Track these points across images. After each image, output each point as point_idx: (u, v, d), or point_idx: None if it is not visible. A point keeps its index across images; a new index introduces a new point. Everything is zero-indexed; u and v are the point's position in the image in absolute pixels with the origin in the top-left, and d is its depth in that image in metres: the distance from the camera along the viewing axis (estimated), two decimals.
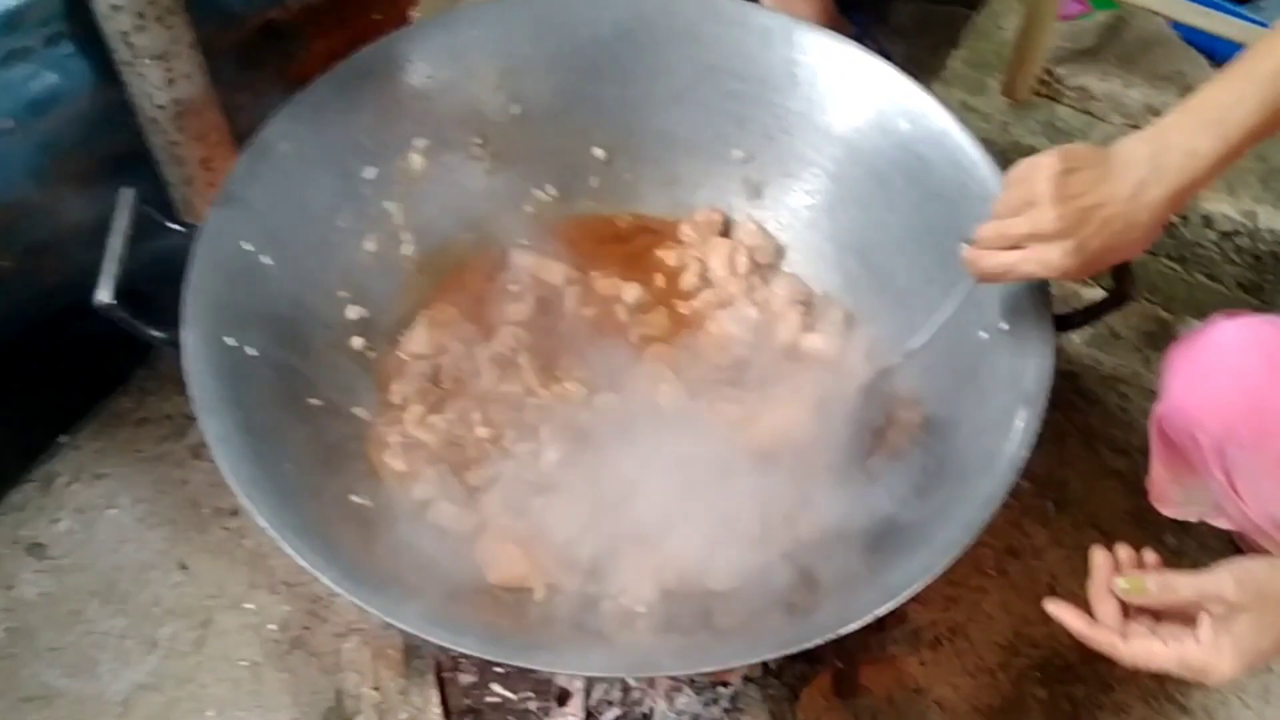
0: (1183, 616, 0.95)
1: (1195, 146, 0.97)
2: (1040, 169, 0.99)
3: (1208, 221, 1.69)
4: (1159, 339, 1.79)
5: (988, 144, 1.28)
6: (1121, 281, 1.14)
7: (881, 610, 0.99)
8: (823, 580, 1.16)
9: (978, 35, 1.89)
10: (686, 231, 1.48)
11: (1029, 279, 1.06)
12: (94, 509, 1.53)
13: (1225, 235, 1.69)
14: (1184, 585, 0.93)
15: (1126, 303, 1.15)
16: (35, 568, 1.48)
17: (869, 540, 1.16)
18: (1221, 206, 1.67)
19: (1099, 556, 0.99)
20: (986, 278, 1.06)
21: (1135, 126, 1.78)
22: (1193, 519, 1.35)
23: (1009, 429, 1.10)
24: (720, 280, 1.44)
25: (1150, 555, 0.99)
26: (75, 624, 1.44)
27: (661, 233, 1.50)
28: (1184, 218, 1.70)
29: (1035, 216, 0.99)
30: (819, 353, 1.38)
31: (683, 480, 1.22)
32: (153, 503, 1.54)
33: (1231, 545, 1.52)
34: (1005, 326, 1.18)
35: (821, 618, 1.03)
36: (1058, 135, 1.76)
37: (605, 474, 1.24)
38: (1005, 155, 1.74)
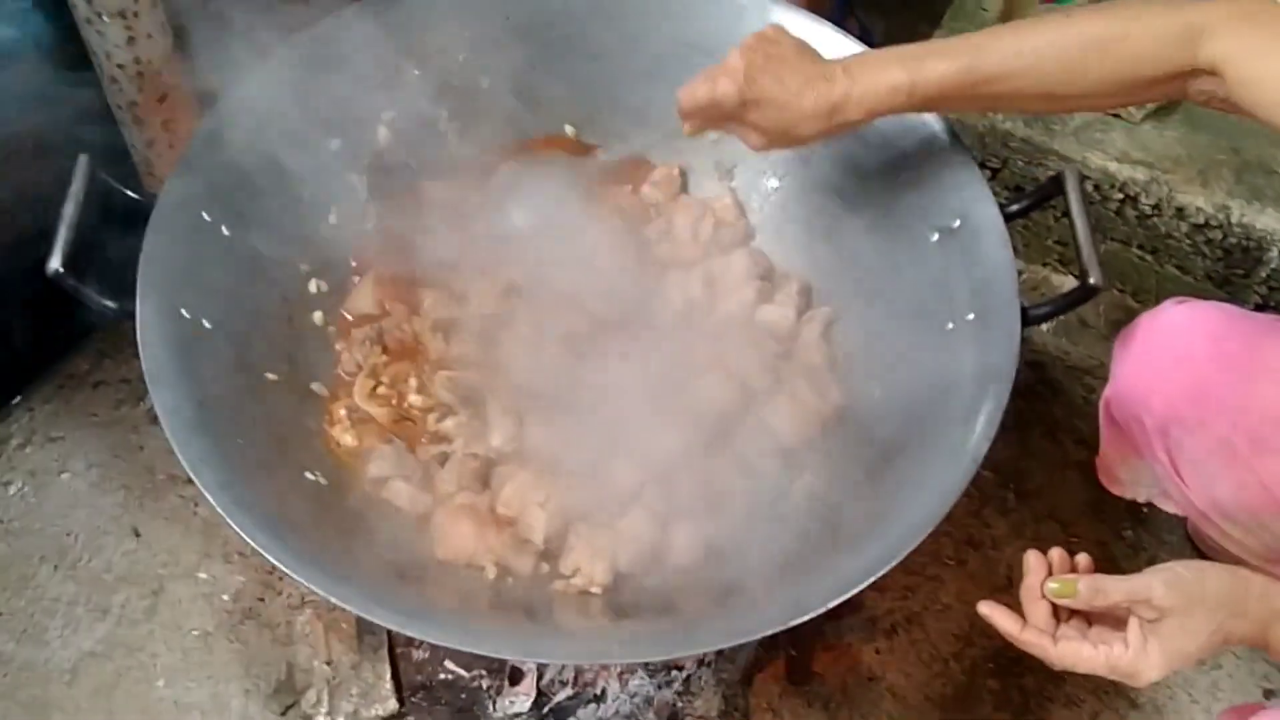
0: (1113, 620, 0.96)
1: (883, 75, 1.08)
2: (758, 33, 1.13)
3: (1180, 213, 1.69)
4: None
5: (966, 126, 1.26)
6: (1086, 273, 1.13)
7: (836, 600, 0.98)
8: (780, 565, 1.15)
9: (960, 14, 1.87)
10: (648, 191, 1.46)
11: (711, 107, 1.13)
12: (46, 472, 1.51)
13: (1197, 228, 1.69)
14: (1113, 588, 0.94)
15: (1094, 295, 1.14)
16: None
17: (827, 527, 1.16)
18: (1195, 200, 1.67)
19: (1032, 559, 1.00)
20: (682, 112, 1.15)
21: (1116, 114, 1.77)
22: (1140, 499, 1.38)
23: (972, 419, 1.09)
24: (683, 241, 1.42)
25: (1083, 559, 1.00)
26: (24, 589, 1.42)
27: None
28: (1157, 208, 1.69)
29: (729, 55, 1.11)
30: (774, 326, 1.36)
31: (639, 455, 1.20)
32: (107, 468, 1.52)
33: (1188, 540, 1.53)
34: (971, 317, 1.18)
35: (777, 606, 1.02)
36: (1034, 118, 1.75)
37: (560, 448, 1.22)
38: (982, 138, 1.73)
